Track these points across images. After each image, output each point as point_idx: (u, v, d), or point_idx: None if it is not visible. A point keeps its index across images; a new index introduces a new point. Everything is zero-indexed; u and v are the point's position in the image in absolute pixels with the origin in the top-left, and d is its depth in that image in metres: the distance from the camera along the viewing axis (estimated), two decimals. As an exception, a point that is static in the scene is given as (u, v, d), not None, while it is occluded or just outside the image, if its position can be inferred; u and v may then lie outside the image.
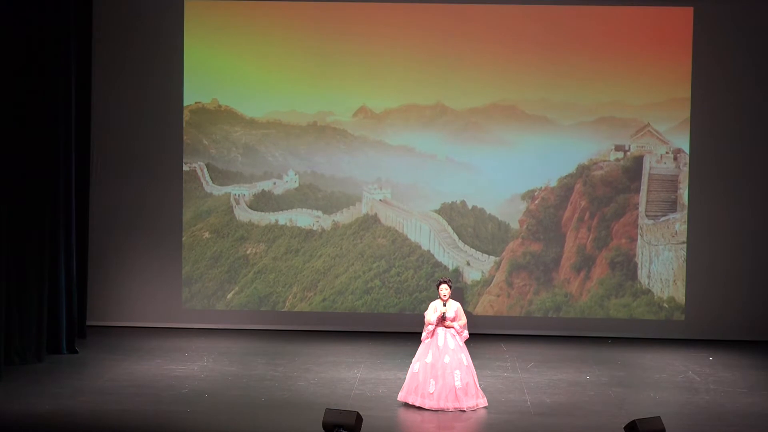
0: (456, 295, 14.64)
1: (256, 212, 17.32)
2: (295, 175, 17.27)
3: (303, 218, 17.30)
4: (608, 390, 13.69)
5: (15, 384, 13.35)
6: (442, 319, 12.71)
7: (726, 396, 13.45)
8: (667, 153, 17.03)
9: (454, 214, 17.22)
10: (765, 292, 16.93)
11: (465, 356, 12.74)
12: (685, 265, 16.93)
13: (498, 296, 17.09)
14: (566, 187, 17.14)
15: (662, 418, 11.14)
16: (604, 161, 17.10)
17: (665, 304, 16.97)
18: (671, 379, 14.35)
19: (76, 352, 15.22)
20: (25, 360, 14.40)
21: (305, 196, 17.26)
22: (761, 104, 16.93)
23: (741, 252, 16.99)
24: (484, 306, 17.09)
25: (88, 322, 16.35)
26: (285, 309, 17.17)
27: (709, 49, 16.88)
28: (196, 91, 17.16)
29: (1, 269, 13.71)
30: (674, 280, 16.94)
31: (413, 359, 12.88)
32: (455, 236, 17.15)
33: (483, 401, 12.78)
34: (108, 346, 15.67)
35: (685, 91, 16.89)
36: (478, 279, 17.14)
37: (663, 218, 17.04)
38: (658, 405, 12.93)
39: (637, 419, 11.05)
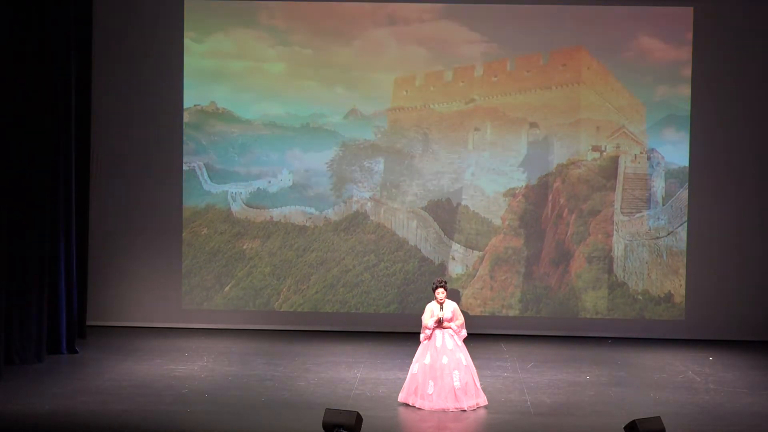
0: (452, 296, 13.55)
1: (251, 209, 16.14)
2: (289, 173, 16.12)
3: (296, 215, 16.14)
4: (608, 390, 12.42)
5: (15, 384, 12.16)
6: (439, 323, 11.42)
7: (726, 396, 12.16)
8: (641, 153, 15.86)
9: (440, 211, 16.06)
10: (765, 292, 15.69)
11: (464, 356, 11.46)
12: (660, 259, 15.81)
13: (481, 289, 15.97)
14: (546, 186, 15.98)
15: (662, 418, 10.10)
16: (582, 161, 15.93)
17: (639, 296, 15.82)
18: (671, 379, 13.04)
19: (76, 352, 13.91)
20: (25, 360, 13.15)
21: (298, 193, 16.11)
22: (761, 103, 15.68)
23: (741, 252, 15.75)
24: (468, 298, 15.89)
25: (88, 322, 15.04)
26: (279, 301, 16.01)
27: (709, 49, 15.63)
28: (195, 93, 15.99)
29: (2, 269, 12.60)
30: (648, 273, 15.81)
31: (413, 360, 11.60)
32: (441, 232, 16.03)
33: (483, 400, 11.47)
34: (108, 346, 14.37)
35: (684, 91, 15.67)
36: (462, 272, 15.97)
37: (637, 215, 15.87)
38: (658, 405, 11.63)
39: (637, 419, 10.07)
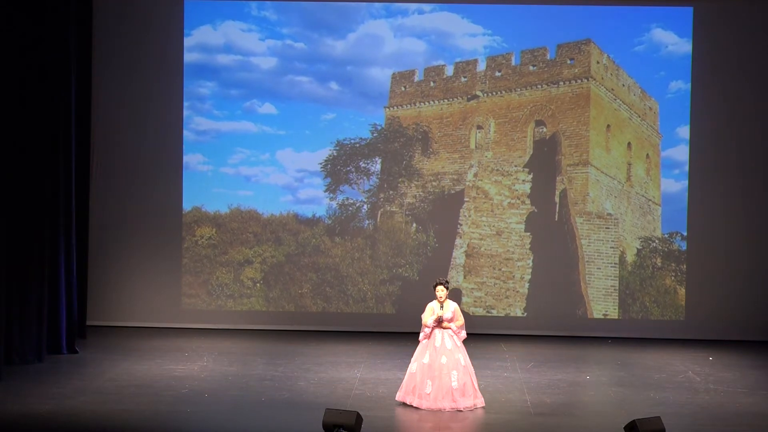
0: (453, 296, 13.69)
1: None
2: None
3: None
4: (608, 390, 12.57)
5: (15, 384, 12.27)
6: (439, 322, 11.51)
7: (726, 396, 12.27)
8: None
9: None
10: (764, 293, 15.81)
11: (463, 356, 11.54)
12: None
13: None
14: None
15: (662, 418, 10.19)
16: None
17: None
18: (671, 379, 13.16)
19: (76, 352, 14.05)
20: (25, 360, 13.26)
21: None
22: (761, 104, 15.76)
23: (740, 252, 15.88)
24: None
25: (88, 322, 15.22)
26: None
27: (709, 49, 15.70)
28: (195, 92, 15.98)
29: (1, 269, 12.63)
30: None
31: (411, 360, 11.69)
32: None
33: (480, 401, 11.53)
34: (108, 346, 14.54)
35: (684, 91, 15.74)
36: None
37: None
38: (658, 405, 11.74)
39: (637, 419, 10.14)
